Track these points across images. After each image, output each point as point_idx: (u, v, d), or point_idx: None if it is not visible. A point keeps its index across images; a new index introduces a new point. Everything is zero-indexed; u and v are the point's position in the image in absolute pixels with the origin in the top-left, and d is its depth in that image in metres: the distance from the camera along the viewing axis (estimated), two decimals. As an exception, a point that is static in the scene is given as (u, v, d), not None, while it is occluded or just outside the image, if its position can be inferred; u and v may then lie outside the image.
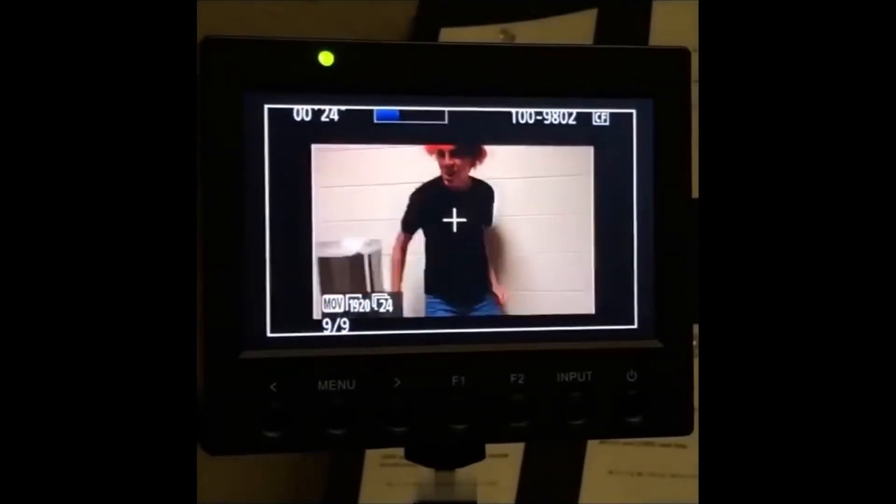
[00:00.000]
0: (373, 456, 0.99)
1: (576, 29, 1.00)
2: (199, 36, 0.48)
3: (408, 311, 0.51)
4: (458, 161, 0.51)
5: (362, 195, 0.50)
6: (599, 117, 0.52)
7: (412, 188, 0.50)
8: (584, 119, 0.52)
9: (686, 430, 0.52)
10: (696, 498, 0.49)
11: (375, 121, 0.50)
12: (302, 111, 0.49)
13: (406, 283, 0.51)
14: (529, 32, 1.01)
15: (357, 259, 0.50)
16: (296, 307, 0.49)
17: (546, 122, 0.51)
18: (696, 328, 0.51)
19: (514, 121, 0.51)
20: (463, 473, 0.52)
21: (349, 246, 0.50)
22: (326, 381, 0.49)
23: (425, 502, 0.52)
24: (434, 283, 0.51)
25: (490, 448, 0.52)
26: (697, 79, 0.50)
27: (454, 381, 0.50)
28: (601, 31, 0.99)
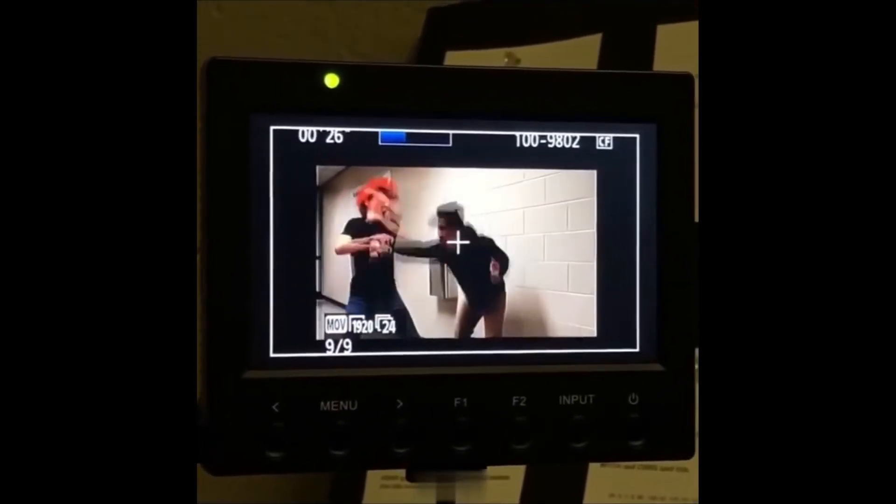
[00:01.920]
0: (373, 477, 0.99)
1: (581, 53, 1.00)
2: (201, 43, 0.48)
3: (410, 333, 0.51)
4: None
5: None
6: (603, 141, 0.52)
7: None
8: (587, 143, 0.52)
9: (688, 454, 0.52)
10: (696, 522, 0.49)
11: (380, 143, 0.50)
12: (307, 133, 0.50)
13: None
14: (534, 56, 1.01)
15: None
16: (299, 328, 0.49)
17: (550, 145, 0.51)
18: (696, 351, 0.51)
19: (518, 144, 0.51)
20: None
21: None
22: (329, 402, 0.49)
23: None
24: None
25: (491, 470, 0.52)
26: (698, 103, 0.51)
27: (456, 402, 0.50)
28: (606, 56, 1.00)
